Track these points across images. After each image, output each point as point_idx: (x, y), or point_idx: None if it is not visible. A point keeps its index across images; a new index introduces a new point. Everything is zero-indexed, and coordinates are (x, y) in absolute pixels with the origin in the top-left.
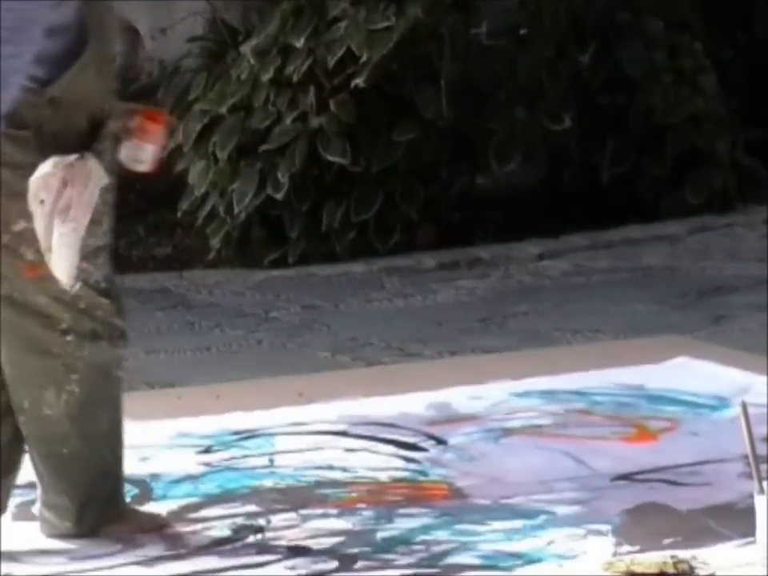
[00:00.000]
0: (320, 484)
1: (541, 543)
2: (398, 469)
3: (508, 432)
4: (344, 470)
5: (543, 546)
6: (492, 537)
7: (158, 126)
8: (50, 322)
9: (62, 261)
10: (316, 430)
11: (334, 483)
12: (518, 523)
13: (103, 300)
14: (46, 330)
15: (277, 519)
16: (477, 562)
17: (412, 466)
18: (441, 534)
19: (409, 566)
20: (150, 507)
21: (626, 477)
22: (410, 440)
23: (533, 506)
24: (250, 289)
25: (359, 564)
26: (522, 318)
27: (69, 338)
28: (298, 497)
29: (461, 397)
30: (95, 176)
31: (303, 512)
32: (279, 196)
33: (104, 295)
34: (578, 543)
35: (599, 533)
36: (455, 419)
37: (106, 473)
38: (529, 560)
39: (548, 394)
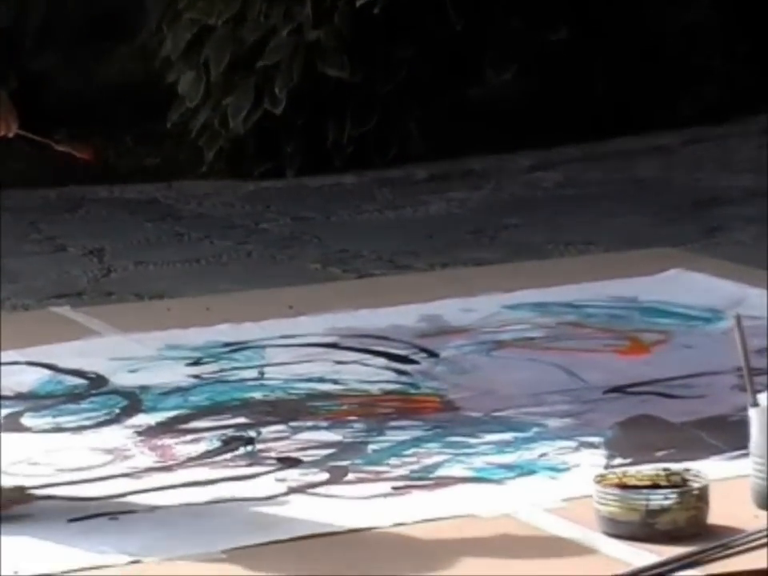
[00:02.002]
0: (310, 396)
1: (532, 456)
2: (389, 381)
3: (500, 345)
4: (335, 382)
5: (535, 459)
6: (483, 449)
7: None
8: None
9: None
10: (306, 342)
11: (325, 396)
12: (509, 436)
13: None
14: None
15: (267, 431)
16: (468, 474)
17: (403, 378)
18: (432, 447)
19: (400, 478)
20: (139, 418)
21: (619, 389)
22: (402, 352)
23: (524, 418)
24: (240, 200)
25: (350, 476)
26: (513, 230)
27: None
28: (289, 409)
29: (452, 309)
30: None
31: (293, 424)
32: (277, 111)
33: None
34: (570, 456)
35: (591, 445)
36: (447, 332)
37: None
38: (520, 472)
39: (540, 307)
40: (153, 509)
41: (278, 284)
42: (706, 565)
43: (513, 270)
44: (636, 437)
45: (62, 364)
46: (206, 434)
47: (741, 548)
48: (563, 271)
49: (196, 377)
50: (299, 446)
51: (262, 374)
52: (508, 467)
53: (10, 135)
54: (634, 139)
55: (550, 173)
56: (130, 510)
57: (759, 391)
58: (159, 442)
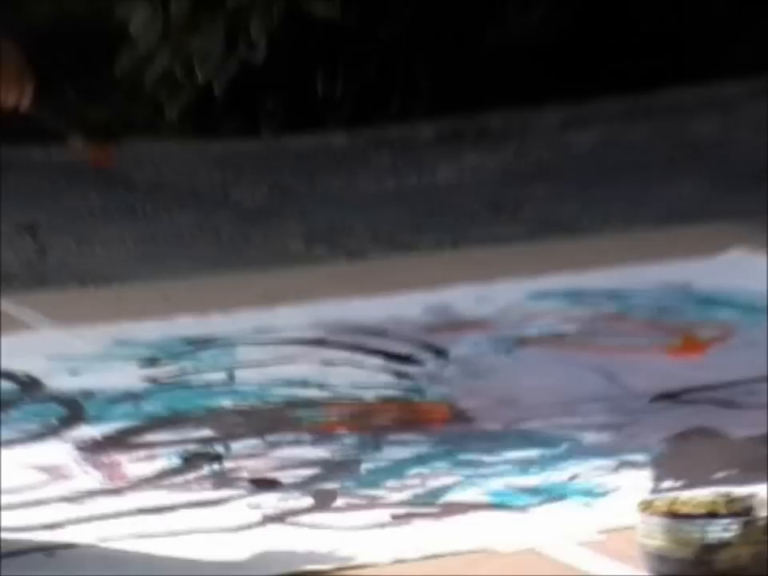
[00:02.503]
0: (291, 404)
1: (563, 478)
2: (387, 386)
3: (523, 342)
4: (321, 386)
5: (566, 482)
6: (503, 470)
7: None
8: None
9: None
10: (287, 338)
11: (309, 403)
12: (534, 453)
13: None
14: None
15: (238, 447)
16: (484, 500)
17: (405, 382)
18: (440, 466)
19: (400, 504)
20: (82, 431)
21: (668, 396)
22: (403, 351)
23: (553, 432)
24: (206, 165)
25: (339, 502)
26: (539, 202)
27: None
28: (265, 420)
29: (465, 298)
30: None
31: (270, 438)
32: (255, 59)
33: None
34: (609, 478)
35: (635, 465)
36: (458, 325)
37: None
38: (548, 498)
39: (572, 296)
40: (98, 542)
41: (251, 267)
42: None
43: (539, 250)
44: (689, 455)
45: None
46: (163, 450)
47: None
48: (600, 252)
49: (151, 380)
50: (277, 464)
51: (231, 377)
52: (533, 491)
53: (24, 104)
54: (687, 91)
55: (585, 132)
56: (70, 545)
57: None
58: (106, 460)
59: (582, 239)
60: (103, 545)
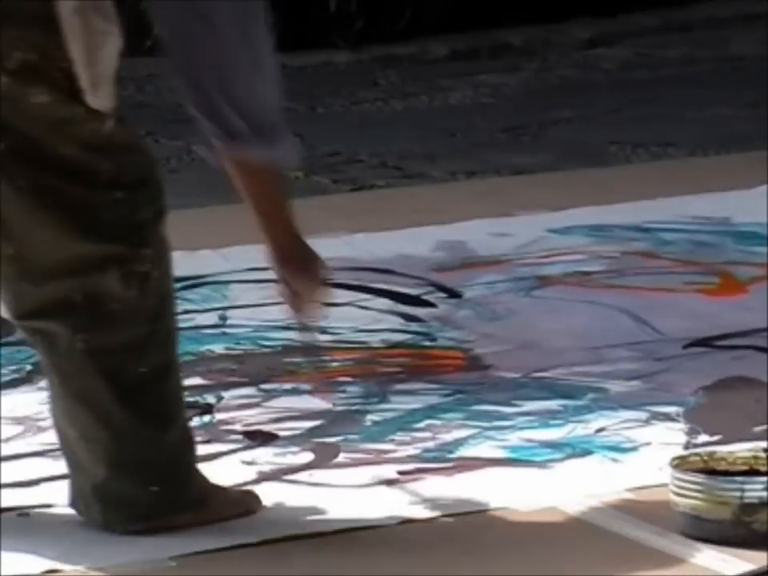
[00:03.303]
0: (289, 350)
1: (587, 431)
2: (394, 330)
3: (544, 281)
4: (322, 331)
5: (591, 435)
6: (521, 422)
7: None
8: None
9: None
10: None
11: (309, 348)
12: (556, 404)
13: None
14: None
15: (231, 396)
16: (501, 455)
17: (414, 326)
18: (453, 418)
19: (409, 459)
20: None
21: (704, 342)
22: (412, 291)
23: (577, 381)
24: None
25: (342, 457)
26: (564, 126)
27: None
28: (260, 367)
29: (481, 233)
30: None
31: (266, 386)
32: None
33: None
34: (638, 431)
35: (667, 417)
36: (473, 263)
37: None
38: (571, 453)
39: (599, 230)
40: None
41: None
42: None
43: (563, 180)
44: (727, 406)
45: None
46: None
47: None
48: (631, 182)
49: None
50: (273, 416)
51: (224, 319)
52: (555, 446)
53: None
54: (726, 4)
55: (614, 49)
56: (46, 503)
57: None
58: None
59: (610, 167)
60: None
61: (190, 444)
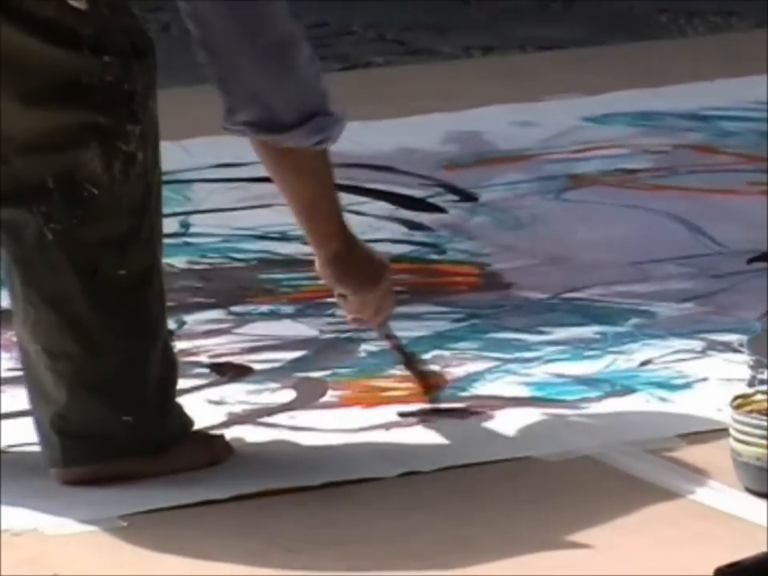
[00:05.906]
0: (266, 264)
1: (630, 364)
2: (395, 241)
3: (578, 181)
4: (306, 241)
5: (634, 369)
6: (549, 353)
7: None
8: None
9: None
10: (260, 174)
11: (289, 263)
12: (591, 331)
13: None
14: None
15: (195, 321)
16: (524, 392)
17: (419, 235)
18: (466, 347)
19: (412, 398)
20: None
21: None
22: (417, 193)
23: (617, 303)
24: None
25: (330, 395)
26: None
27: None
28: (229, 284)
29: (500, 122)
30: None
31: (237, 309)
32: None
33: None
34: (691, 364)
35: (727, 347)
36: (491, 159)
37: None
38: (610, 391)
39: (645, 118)
40: (15, 446)
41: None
42: None
43: (601, 57)
44: None
45: None
46: None
47: None
48: (683, 60)
49: None
50: (247, 344)
51: (186, 226)
52: (589, 382)
53: None
54: None
55: None
56: (12, 444)
57: None
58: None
59: (659, 41)
60: (22, 449)
61: (173, 368)
